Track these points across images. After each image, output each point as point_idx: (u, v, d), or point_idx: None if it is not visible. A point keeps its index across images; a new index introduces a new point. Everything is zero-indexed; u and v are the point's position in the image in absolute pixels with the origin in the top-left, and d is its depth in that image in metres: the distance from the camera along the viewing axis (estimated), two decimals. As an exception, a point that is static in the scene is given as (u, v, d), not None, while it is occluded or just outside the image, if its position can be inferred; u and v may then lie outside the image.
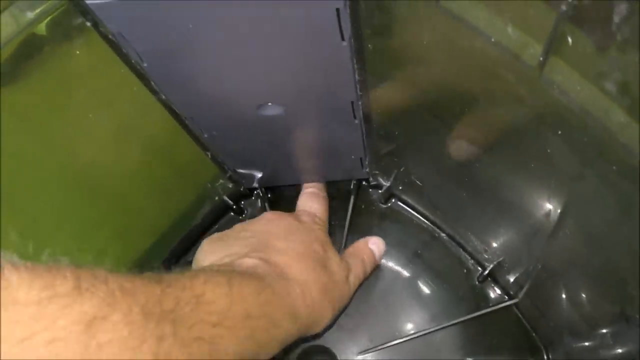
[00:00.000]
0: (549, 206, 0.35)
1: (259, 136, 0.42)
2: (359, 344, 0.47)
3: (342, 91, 0.36)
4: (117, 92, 0.35)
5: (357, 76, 0.35)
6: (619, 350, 0.33)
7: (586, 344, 0.37)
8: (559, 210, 0.35)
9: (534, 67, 0.24)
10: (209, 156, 0.45)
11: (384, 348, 0.46)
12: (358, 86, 0.36)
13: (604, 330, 0.34)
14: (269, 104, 0.37)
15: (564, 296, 0.40)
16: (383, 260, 0.50)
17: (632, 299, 0.30)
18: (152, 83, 0.35)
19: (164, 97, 0.37)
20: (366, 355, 0.46)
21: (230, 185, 0.50)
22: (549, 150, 0.28)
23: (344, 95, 0.37)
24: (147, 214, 0.47)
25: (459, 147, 0.37)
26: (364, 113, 0.39)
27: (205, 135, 0.42)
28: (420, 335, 0.46)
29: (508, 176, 0.37)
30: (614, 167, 0.24)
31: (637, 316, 0.29)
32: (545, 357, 0.44)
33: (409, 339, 0.46)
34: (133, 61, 0.33)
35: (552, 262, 0.39)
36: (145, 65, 0.33)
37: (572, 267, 0.38)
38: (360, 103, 0.37)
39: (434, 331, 0.46)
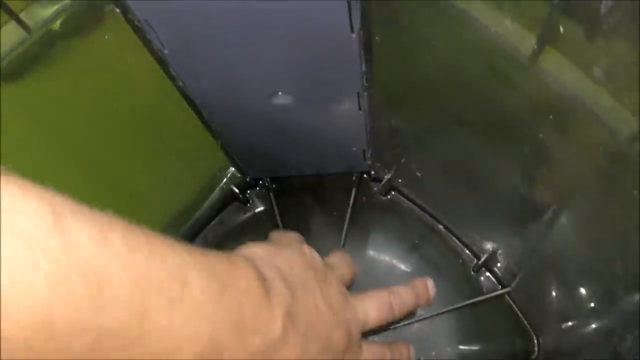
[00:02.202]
0: (543, 198, 0.38)
1: (267, 126, 0.44)
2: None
3: (349, 82, 0.38)
4: (138, 78, 0.37)
5: (363, 67, 0.37)
6: (602, 324, 0.35)
7: (570, 323, 0.39)
8: (553, 202, 0.37)
9: (529, 56, 0.27)
10: (219, 145, 0.47)
11: (379, 334, 0.48)
12: (364, 77, 0.38)
13: (590, 306, 0.36)
14: (279, 92, 0.40)
15: (554, 283, 0.42)
16: (381, 253, 0.51)
17: (618, 277, 0.32)
18: (172, 70, 0.37)
19: (181, 83, 0.39)
20: (361, 341, 0.48)
21: (238, 175, 0.52)
22: (540, 135, 0.31)
23: (350, 85, 0.39)
24: (154, 202, 0.48)
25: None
26: (369, 105, 0.41)
27: (218, 123, 0.44)
28: (415, 322, 0.48)
29: (505, 167, 0.39)
30: (601, 149, 0.27)
31: (621, 292, 0.31)
32: (536, 342, 0.46)
33: (403, 325, 0.48)
34: (155, 48, 0.35)
35: (544, 252, 0.41)
36: (166, 52, 0.35)
37: (564, 256, 0.40)
38: (365, 94, 0.40)
39: (428, 318, 0.48)
